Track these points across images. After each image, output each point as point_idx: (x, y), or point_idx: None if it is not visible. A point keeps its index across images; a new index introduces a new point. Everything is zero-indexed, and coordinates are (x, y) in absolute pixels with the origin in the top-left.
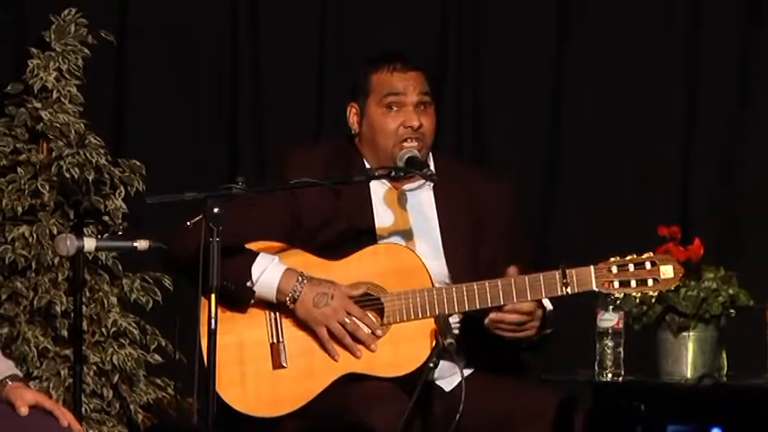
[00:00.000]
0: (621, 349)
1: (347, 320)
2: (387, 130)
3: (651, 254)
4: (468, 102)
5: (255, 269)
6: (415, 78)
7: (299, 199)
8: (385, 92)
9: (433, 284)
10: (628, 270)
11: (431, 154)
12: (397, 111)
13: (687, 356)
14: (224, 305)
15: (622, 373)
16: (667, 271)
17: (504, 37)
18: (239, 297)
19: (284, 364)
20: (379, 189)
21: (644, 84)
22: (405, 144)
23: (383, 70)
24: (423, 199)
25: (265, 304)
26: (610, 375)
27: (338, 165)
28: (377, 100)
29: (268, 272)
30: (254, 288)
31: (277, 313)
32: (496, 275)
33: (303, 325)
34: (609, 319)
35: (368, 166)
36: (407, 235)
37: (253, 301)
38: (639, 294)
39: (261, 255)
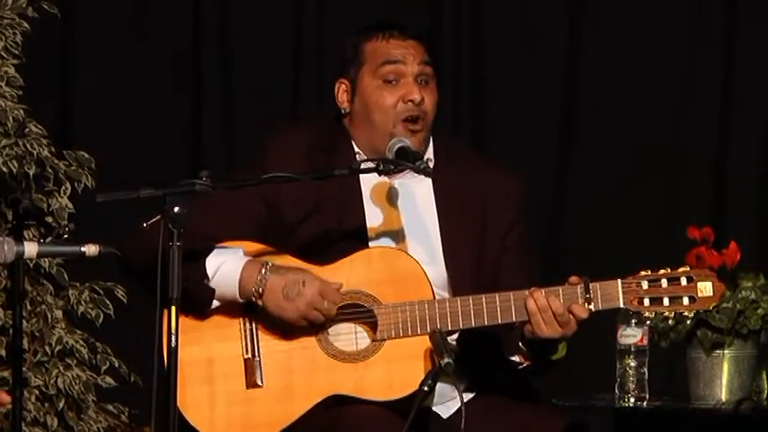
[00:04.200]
0: (646, 370)
1: (325, 305)
2: (384, 106)
3: (687, 268)
4: (466, 94)
5: (211, 262)
6: (415, 47)
7: (278, 187)
8: (381, 61)
9: (434, 296)
10: (660, 286)
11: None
12: (396, 84)
13: (722, 378)
14: (182, 311)
15: (647, 397)
16: (706, 288)
17: (509, 23)
18: (197, 298)
19: (259, 383)
20: (369, 179)
21: (673, 63)
22: (406, 124)
23: (378, 38)
24: (418, 191)
25: (238, 312)
26: (632, 400)
27: (323, 148)
28: (371, 71)
29: (227, 265)
30: (212, 285)
31: (253, 324)
32: (502, 282)
33: (283, 339)
34: (631, 335)
35: (356, 149)
36: (399, 235)
37: (218, 303)
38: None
39: (218, 247)
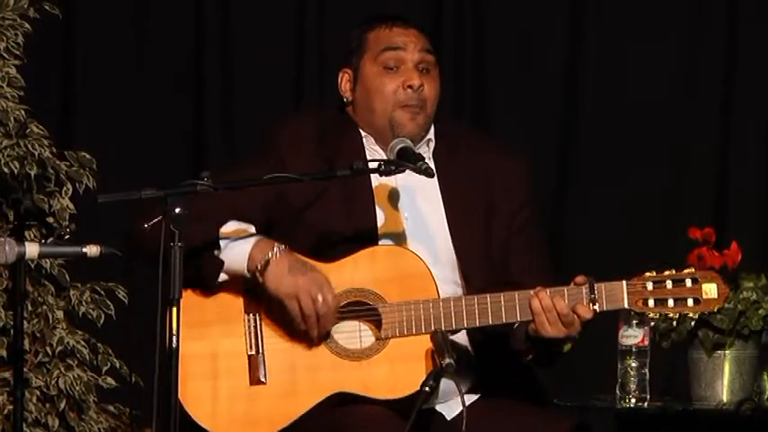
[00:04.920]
0: (647, 370)
1: (320, 298)
2: (384, 92)
3: (693, 269)
4: (467, 95)
5: (223, 237)
6: (416, 35)
7: (288, 169)
8: (382, 47)
9: (439, 295)
10: (665, 287)
11: (432, 124)
12: (396, 71)
13: (723, 379)
14: (189, 287)
15: (648, 397)
16: (711, 290)
17: (510, 24)
18: (205, 272)
19: (263, 380)
20: (374, 175)
21: (673, 63)
22: (405, 109)
23: (381, 27)
24: (422, 184)
25: (244, 308)
26: (633, 400)
27: (333, 134)
28: (373, 57)
29: (238, 241)
30: (222, 257)
31: (258, 321)
32: (511, 265)
33: (288, 336)
34: (633, 336)
35: (363, 133)
36: (403, 231)
37: (225, 277)
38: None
39: (232, 221)
